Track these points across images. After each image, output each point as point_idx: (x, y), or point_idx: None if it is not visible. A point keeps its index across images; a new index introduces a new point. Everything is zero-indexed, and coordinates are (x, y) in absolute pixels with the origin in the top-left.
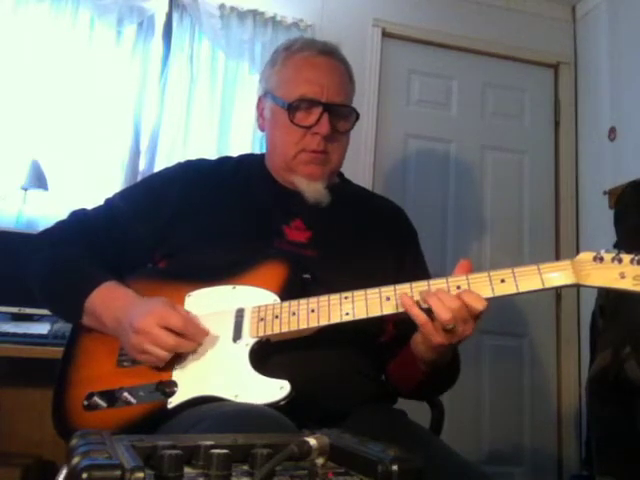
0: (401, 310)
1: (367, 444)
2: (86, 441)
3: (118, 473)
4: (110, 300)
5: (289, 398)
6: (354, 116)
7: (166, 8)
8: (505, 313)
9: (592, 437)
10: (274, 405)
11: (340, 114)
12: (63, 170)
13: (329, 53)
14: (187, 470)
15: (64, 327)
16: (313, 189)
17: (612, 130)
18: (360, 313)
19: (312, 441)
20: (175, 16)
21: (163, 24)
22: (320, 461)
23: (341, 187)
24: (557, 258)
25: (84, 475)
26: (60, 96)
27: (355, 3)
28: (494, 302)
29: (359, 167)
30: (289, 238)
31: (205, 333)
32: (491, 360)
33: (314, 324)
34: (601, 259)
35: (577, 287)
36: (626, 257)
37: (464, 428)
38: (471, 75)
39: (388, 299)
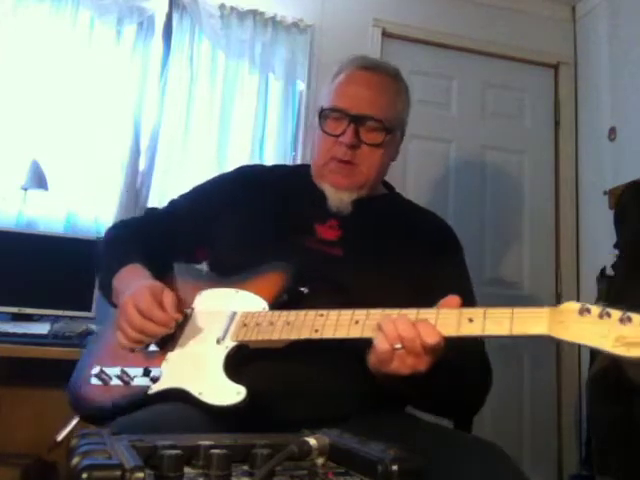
0: (366, 336)
1: (367, 444)
2: (86, 441)
3: (118, 473)
4: (128, 280)
5: (242, 404)
6: (384, 130)
7: (166, 8)
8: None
9: (592, 437)
10: (229, 408)
11: (369, 126)
12: (63, 170)
13: (370, 68)
14: (187, 470)
15: (64, 327)
16: (337, 198)
17: (612, 130)
18: (327, 333)
19: (312, 441)
20: (175, 16)
21: (163, 24)
22: (320, 461)
23: (387, 198)
24: (557, 258)
25: (84, 475)
26: (60, 96)
27: (355, 3)
28: (495, 302)
29: None
30: (320, 236)
31: (172, 319)
32: (491, 360)
33: (285, 337)
34: (588, 311)
35: (550, 339)
36: (615, 314)
37: None
38: (471, 75)
39: (357, 322)
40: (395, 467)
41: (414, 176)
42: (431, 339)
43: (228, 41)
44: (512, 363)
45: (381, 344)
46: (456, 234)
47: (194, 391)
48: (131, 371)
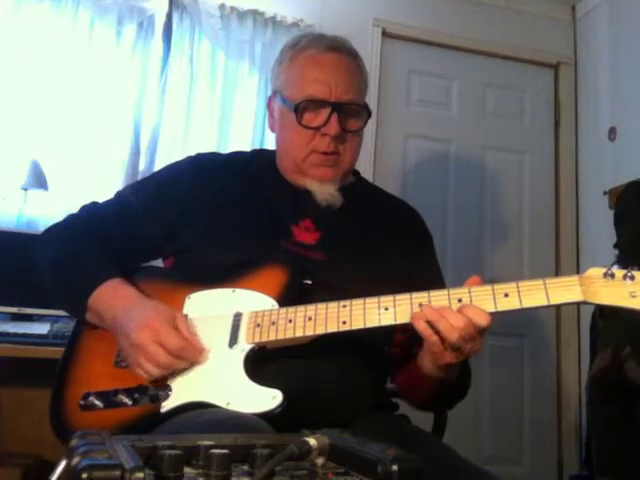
0: (400, 322)
1: (367, 444)
2: (86, 441)
3: (118, 473)
4: (112, 298)
5: (281, 408)
6: (365, 113)
7: (166, 8)
8: (505, 313)
9: (592, 437)
10: (265, 415)
11: (350, 112)
12: (63, 170)
13: (336, 49)
14: (187, 470)
15: (64, 327)
16: (325, 191)
17: (612, 130)
18: (357, 323)
19: (312, 441)
20: (175, 16)
21: (163, 24)
22: (320, 461)
23: (356, 186)
24: (557, 258)
25: (84, 475)
26: (60, 96)
27: (355, 3)
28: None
29: (359, 167)
30: (297, 239)
31: (201, 352)
32: (491, 360)
33: (310, 332)
34: (612, 275)
35: (585, 304)
36: (638, 274)
37: (464, 428)
38: (471, 75)
39: (387, 309)
40: (395, 467)
41: (414, 176)
42: (484, 321)
43: (228, 41)
44: (512, 363)
45: (435, 345)
46: (424, 219)
47: (220, 402)
48: (131, 391)
